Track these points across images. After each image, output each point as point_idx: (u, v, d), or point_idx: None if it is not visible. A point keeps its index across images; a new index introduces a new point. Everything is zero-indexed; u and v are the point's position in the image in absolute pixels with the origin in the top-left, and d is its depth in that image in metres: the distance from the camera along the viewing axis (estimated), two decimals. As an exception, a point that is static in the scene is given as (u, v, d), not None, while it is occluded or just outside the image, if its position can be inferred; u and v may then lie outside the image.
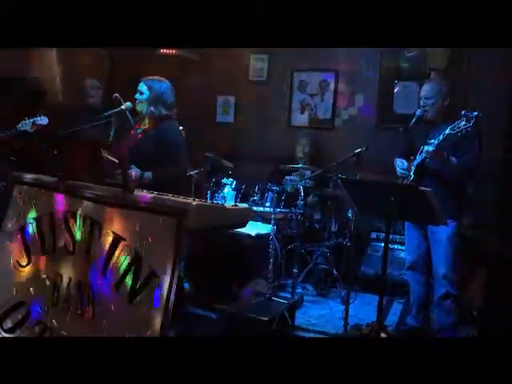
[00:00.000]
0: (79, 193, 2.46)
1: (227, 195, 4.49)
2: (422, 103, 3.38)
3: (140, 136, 3.16)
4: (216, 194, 4.49)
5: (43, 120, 3.71)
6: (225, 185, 4.52)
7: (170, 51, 5.53)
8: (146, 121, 3.19)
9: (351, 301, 3.84)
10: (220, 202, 3.98)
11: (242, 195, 4.57)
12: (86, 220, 2.40)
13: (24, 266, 2.59)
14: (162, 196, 2.33)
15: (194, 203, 2.18)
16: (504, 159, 3.44)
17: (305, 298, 4.42)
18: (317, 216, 5.07)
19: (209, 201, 4.13)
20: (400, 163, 3.43)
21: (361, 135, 5.12)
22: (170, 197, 2.32)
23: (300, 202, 4.36)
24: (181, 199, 2.31)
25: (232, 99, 6.04)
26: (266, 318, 3.04)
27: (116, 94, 3.37)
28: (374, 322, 3.04)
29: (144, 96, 3.12)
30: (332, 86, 5.52)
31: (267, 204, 4.39)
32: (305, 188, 4.49)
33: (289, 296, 4.10)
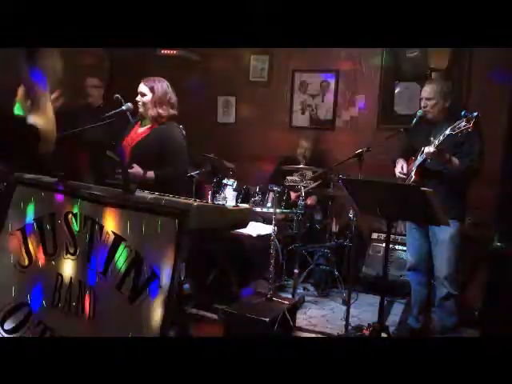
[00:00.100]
0: (80, 193, 2.46)
1: (228, 196, 4.49)
2: (422, 104, 3.38)
3: (142, 136, 3.16)
4: (217, 195, 4.49)
5: None
6: (226, 185, 4.52)
7: (170, 52, 5.53)
8: (148, 121, 3.20)
9: (352, 301, 3.84)
10: (221, 203, 4.00)
11: (243, 196, 4.57)
12: (87, 220, 2.39)
13: (25, 267, 2.59)
14: (162, 196, 2.33)
15: (195, 204, 2.17)
16: (505, 159, 3.43)
17: (306, 298, 4.42)
18: (318, 216, 5.07)
19: (210, 201, 4.13)
20: (400, 167, 3.43)
21: (362, 136, 5.12)
22: (170, 197, 2.32)
23: (301, 203, 4.36)
24: (182, 200, 2.30)
25: (233, 100, 6.04)
26: (266, 319, 3.04)
27: (117, 95, 3.37)
28: (375, 322, 3.03)
29: (146, 97, 3.12)
30: (333, 87, 5.52)
31: (268, 204, 4.39)
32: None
33: (290, 296, 4.10)
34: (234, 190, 4.53)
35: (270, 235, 3.74)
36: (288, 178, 4.97)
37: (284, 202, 4.39)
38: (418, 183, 3.18)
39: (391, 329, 3.56)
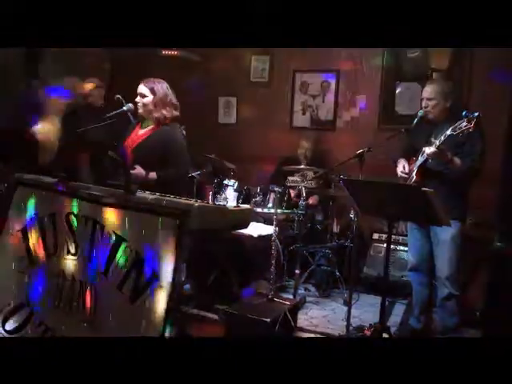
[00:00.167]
0: (81, 194, 2.46)
1: (229, 196, 4.49)
2: (423, 104, 3.38)
3: (143, 138, 3.16)
4: (218, 195, 4.49)
5: None
6: (227, 186, 4.52)
7: (171, 52, 5.54)
8: (149, 122, 3.20)
9: (353, 302, 3.83)
10: (222, 203, 4.00)
11: (244, 196, 4.57)
12: (88, 221, 2.40)
13: (26, 267, 2.59)
14: (163, 197, 2.33)
15: (196, 204, 2.18)
16: (506, 159, 3.42)
17: (307, 299, 4.41)
18: (319, 217, 5.07)
19: (211, 202, 4.13)
20: (402, 167, 3.43)
21: (362, 136, 5.11)
22: (172, 198, 2.32)
23: (302, 203, 4.36)
24: (183, 200, 2.31)
25: (233, 100, 6.04)
26: (268, 320, 3.04)
27: (118, 96, 3.38)
28: (376, 323, 3.03)
29: (147, 99, 3.12)
30: (333, 87, 5.52)
31: (269, 205, 4.39)
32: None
33: (291, 297, 4.10)
34: (235, 190, 4.53)
35: (271, 236, 3.74)
36: (289, 178, 4.97)
37: (285, 202, 4.39)
38: (419, 183, 3.18)
39: (392, 329, 3.55)
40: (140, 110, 3.15)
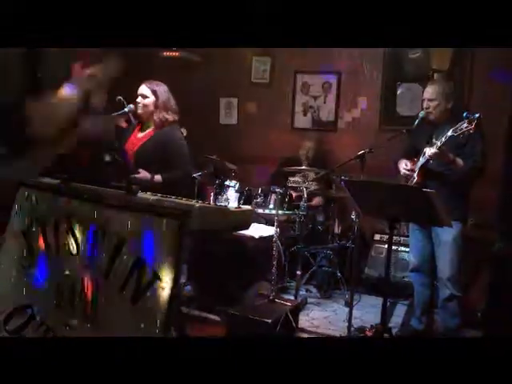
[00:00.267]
0: (82, 195, 2.46)
1: (230, 197, 4.49)
2: (424, 105, 3.38)
3: (144, 140, 3.16)
4: (219, 196, 4.49)
5: None
6: (228, 187, 4.52)
7: (172, 53, 5.54)
8: (149, 124, 3.20)
9: (355, 303, 3.83)
10: (223, 204, 4.00)
11: (245, 197, 4.56)
12: (90, 222, 2.40)
13: (27, 268, 2.59)
14: (165, 198, 2.33)
15: (197, 205, 2.17)
16: (507, 160, 3.42)
17: (308, 300, 4.41)
18: (320, 218, 5.07)
19: (212, 203, 4.13)
20: (404, 164, 3.43)
21: (364, 137, 5.11)
22: (173, 199, 2.32)
23: (303, 204, 4.36)
24: (184, 201, 2.31)
25: (235, 101, 6.05)
26: (269, 321, 3.04)
27: (119, 97, 3.37)
28: (377, 324, 3.03)
29: (148, 100, 3.12)
30: (335, 88, 5.52)
31: (270, 206, 4.39)
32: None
33: (292, 298, 4.10)
34: (236, 191, 4.52)
35: (272, 237, 3.74)
36: (290, 178, 4.97)
37: (286, 203, 4.39)
38: (421, 184, 3.18)
39: (394, 330, 3.55)
40: (140, 111, 3.15)
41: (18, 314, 2.52)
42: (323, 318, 4.06)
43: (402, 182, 3.44)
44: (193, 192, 4.63)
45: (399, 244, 4.61)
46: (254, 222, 3.40)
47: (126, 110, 3.19)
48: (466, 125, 2.88)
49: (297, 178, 4.94)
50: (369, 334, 3.19)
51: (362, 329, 3.50)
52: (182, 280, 4.01)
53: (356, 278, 3.95)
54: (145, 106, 3.13)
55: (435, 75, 4.94)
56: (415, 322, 3.63)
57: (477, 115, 2.87)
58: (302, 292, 4.53)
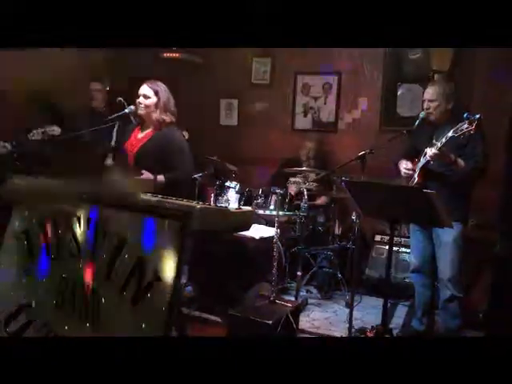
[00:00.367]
0: (83, 196, 2.46)
1: (231, 198, 4.49)
2: (425, 105, 3.38)
3: (144, 141, 3.16)
4: (220, 197, 4.48)
5: (55, 131, 3.71)
6: (228, 188, 4.52)
7: (173, 55, 5.54)
8: (149, 124, 3.20)
9: (355, 304, 3.83)
10: (224, 205, 3.99)
11: (245, 198, 4.56)
12: (90, 223, 2.40)
13: (28, 269, 2.59)
14: (166, 199, 2.33)
15: (198, 206, 2.17)
16: (508, 161, 3.42)
17: (309, 301, 4.41)
18: (321, 219, 5.07)
19: (212, 204, 4.12)
20: (404, 164, 3.43)
21: (364, 138, 5.11)
22: (173, 200, 2.32)
23: (304, 205, 4.36)
24: (185, 202, 2.31)
25: (235, 102, 6.05)
26: (270, 322, 3.03)
27: (120, 98, 3.38)
28: (378, 325, 3.02)
29: (150, 100, 3.12)
30: (335, 89, 5.52)
31: (271, 207, 4.38)
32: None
33: (293, 299, 4.09)
34: (237, 192, 4.52)
35: (272, 238, 3.74)
36: (291, 179, 4.97)
37: (287, 204, 4.39)
38: (421, 185, 3.17)
39: (395, 331, 3.54)
40: (142, 112, 3.15)
41: (18, 315, 2.52)
42: (324, 318, 4.05)
43: (402, 182, 3.43)
44: (193, 193, 4.63)
45: (400, 245, 4.61)
46: (254, 223, 3.40)
47: (126, 111, 3.20)
48: (466, 125, 2.88)
49: (297, 179, 4.93)
50: (369, 334, 3.18)
51: (362, 330, 3.49)
52: (183, 281, 4.01)
53: (357, 278, 3.94)
54: (147, 106, 3.13)
55: (435, 76, 4.93)
56: (416, 323, 3.62)
57: (477, 116, 2.86)
58: (303, 293, 4.53)
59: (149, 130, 3.19)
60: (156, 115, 3.12)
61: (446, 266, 3.31)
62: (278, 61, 5.76)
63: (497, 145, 3.36)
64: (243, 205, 4.44)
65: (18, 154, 3.65)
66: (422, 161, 3.26)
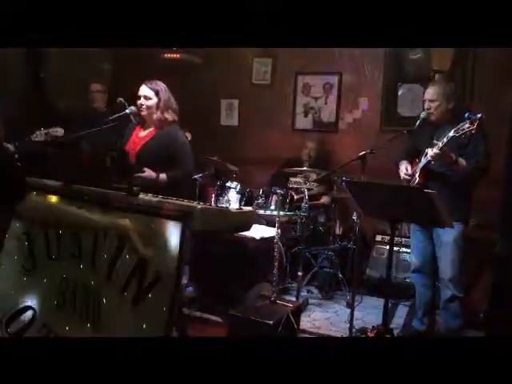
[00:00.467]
0: (84, 197, 2.47)
1: (231, 198, 4.49)
2: (426, 106, 3.37)
3: (146, 140, 3.16)
4: (220, 198, 4.49)
5: (59, 132, 3.71)
6: (229, 188, 4.52)
7: (173, 55, 5.55)
8: (150, 124, 3.20)
9: (356, 304, 3.82)
10: (224, 206, 3.99)
11: (246, 198, 4.56)
12: (91, 224, 2.40)
13: (29, 270, 2.60)
14: (166, 199, 2.33)
15: (199, 206, 2.17)
16: (509, 160, 3.42)
17: (310, 301, 4.40)
18: (321, 219, 5.06)
19: (213, 204, 4.12)
20: (404, 168, 3.43)
21: (365, 138, 5.11)
22: (174, 200, 2.32)
23: (304, 205, 4.36)
24: (185, 202, 2.31)
25: (236, 102, 6.05)
26: (270, 322, 3.03)
27: (120, 99, 3.38)
28: (379, 325, 3.02)
29: (151, 101, 3.12)
30: (336, 89, 5.52)
31: (272, 207, 4.39)
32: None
33: (294, 299, 4.09)
34: (238, 192, 4.52)
35: (273, 238, 3.73)
36: (291, 179, 4.97)
37: (287, 204, 4.39)
38: (422, 185, 3.17)
39: (396, 331, 3.54)
40: (144, 113, 3.15)
41: (19, 315, 2.52)
42: (325, 319, 4.05)
43: (403, 183, 3.43)
44: (194, 193, 4.63)
45: (400, 245, 4.60)
46: (255, 223, 3.40)
47: (127, 111, 3.20)
48: (467, 125, 2.88)
49: (298, 179, 4.93)
50: (370, 335, 3.19)
51: (363, 330, 3.49)
52: (184, 281, 4.01)
53: (357, 279, 3.94)
54: (148, 107, 3.13)
55: (436, 76, 4.93)
56: (417, 323, 3.62)
57: (479, 115, 2.86)
58: (304, 293, 4.53)
59: (151, 129, 3.19)
60: (158, 115, 3.13)
61: (446, 266, 3.31)
62: (278, 61, 5.76)
63: (497, 144, 3.36)
64: (244, 205, 4.45)
65: (20, 155, 3.65)
66: (423, 161, 3.26)
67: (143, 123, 3.23)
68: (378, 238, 4.90)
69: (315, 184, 4.70)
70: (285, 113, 5.79)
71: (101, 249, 2.33)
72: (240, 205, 4.42)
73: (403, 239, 4.63)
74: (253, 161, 5.54)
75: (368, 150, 3.39)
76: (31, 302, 2.53)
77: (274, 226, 3.75)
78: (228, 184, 4.53)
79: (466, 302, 3.47)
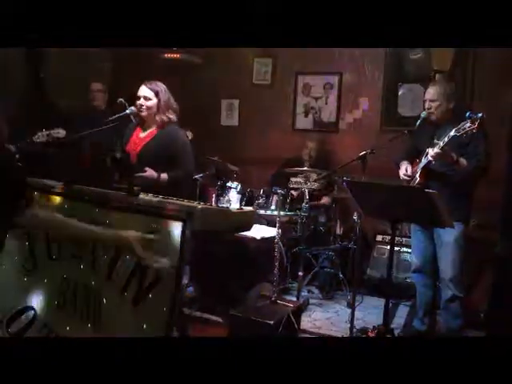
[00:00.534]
0: (85, 197, 2.46)
1: (232, 198, 4.49)
2: (426, 105, 3.37)
3: (147, 140, 3.17)
4: (221, 198, 4.49)
5: (60, 133, 3.71)
6: (230, 188, 4.52)
7: (173, 55, 5.55)
8: (150, 124, 3.20)
9: (357, 304, 3.82)
10: (225, 206, 3.99)
11: (247, 198, 4.57)
12: (92, 224, 2.40)
13: (30, 270, 2.59)
14: (167, 199, 2.33)
15: (199, 206, 2.17)
16: (510, 160, 3.42)
17: (310, 301, 4.40)
18: (322, 219, 5.06)
19: (214, 204, 4.13)
20: (404, 169, 3.42)
21: (365, 138, 5.11)
22: (175, 200, 2.32)
23: (305, 205, 4.36)
24: (186, 202, 2.31)
25: (236, 102, 6.05)
26: (271, 322, 3.03)
27: (121, 99, 3.38)
28: (380, 325, 3.02)
29: (151, 102, 3.12)
30: (336, 89, 5.52)
31: (272, 207, 4.39)
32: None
33: (294, 299, 4.09)
34: (238, 192, 4.53)
35: (274, 238, 3.73)
36: (292, 179, 4.97)
37: (288, 204, 4.39)
38: (423, 185, 3.17)
39: (396, 331, 3.54)
40: (144, 113, 3.15)
41: (20, 316, 2.52)
42: (325, 319, 4.05)
43: (403, 182, 3.43)
44: (195, 193, 4.63)
45: (401, 245, 4.60)
46: (255, 223, 3.40)
47: (127, 111, 3.19)
48: (468, 124, 2.87)
49: (298, 179, 4.93)
50: (371, 335, 3.18)
51: (364, 330, 3.49)
52: (184, 281, 4.01)
53: (358, 279, 3.94)
54: (148, 108, 3.13)
55: (436, 76, 4.93)
56: (417, 323, 3.61)
57: (480, 115, 2.86)
58: (304, 293, 4.53)
59: (151, 129, 3.19)
60: (159, 116, 3.13)
61: (447, 266, 3.31)
62: (279, 61, 5.76)
63: (497, 144, 3.36)
64: (244, 205, 4.45)
65: (21, 156, 3.65)
66: (424, 161, 3.26)
67: (143, 124, 3.23)
68: (379, 237, 4.90)
69: (316, 184, 4.70)
70: (285, 113, 5.79)
71: (101, 249, 2.33)
72: (240, 205, 4.43)
73: (404, 239, 4.63)
74: (253, 161, 5.54)
75: (368, 150, 3.39)
76: (32, 302, 2.53)
77: (275, 226, 3.75)
78: (228, 184, 4.53)
79: (467, 302, 3.46)
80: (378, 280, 4.64)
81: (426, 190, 2.62)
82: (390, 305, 3.21)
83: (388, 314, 2.93)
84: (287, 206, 4.37)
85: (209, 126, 5.94)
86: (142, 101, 3.14)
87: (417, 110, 4.51)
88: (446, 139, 3.03)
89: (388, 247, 4.20)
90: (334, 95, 5.53)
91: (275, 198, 4.36)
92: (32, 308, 2.51)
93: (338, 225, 4.99)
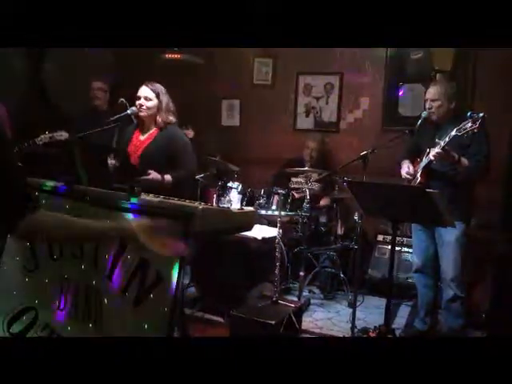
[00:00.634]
0: (86, 197, 2.46)
1: (233, 199, 4.49)
2: (427, 105, 3.37)
3: (148, 142, 3.17)
4: (222, 198, 4.49)
5: (63, 136, 3.72)
6: (231, 188, 4.52)
7: (174, 56, 5.55)
8: (149, 126, 3.20)
9: (358, 304, 3.82)
10: (226, 206, 3.99)
11: (248, 199, 4.57)
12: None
13: (31, 271, 2.60)
14: (168, 200, 2.33)
15: (200, 207, 2.17)
16: (510, 160, 3.42)
17: (311, 301, 4.41)
18: (323, 219, 5.06)
19: (215, 204, 4.13)
20: (406, 167, 3.42)
21: (366, 138, 5.10)
22: (176, 200, 2.32)
23: (306, 205, 4.36)
24: (187, 203, 2.31)
25: (237, 103, 6.05)
26: (272, 322, 3.03)
27: (122, 99, 3.38)
28: (381, 325, 3.02)
29: (152, 103, 3.12)
30: (337, 89, 5.51)
31: (273, 207, 4.39)
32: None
33: (295, 299, 4.09)
34: (239, 192, 4.52)
35: (275, 238, 3.74)
36: (293, 179, 4.97)
37: (289, 204, 4.39)
38: (424, 185, 3.17)
39: (397, 331, 3.54)
40: (144, 114, 3.15)
41: (21, 316, 2.52)
42: (326, 319, 4.05)
43: (404, 182, 3.43)
44: (195, 194, 4.63)
45: (402, 245, 4.60)
46: (256, 224, 3.40)
47: (128, 112, 3.20)
48: (470, 124, 2.88)
49: (299, 179, 4.93)
50: (372, 335, 3.18)
51: (365, 330, 3.49)
52: (186, 281, 4.02)
53: (359, 278, 3.94)
54: (149, 108, 3.14)
55: (437, 76, 4.93)
56: (419, 323, 3.61)
57: (481, 114, 2.86)
58: (305, 293, 4.53)
59: (151, 131, 3.19)
60: (160, 116, 3.13)
61: (448, 266, 3.31)
62: (279, 61, 5.76)
63: (498, 144, 3.35)
64: (245, 205, 4.45)
65: (21, 156, 3.65)
66: (425, 160, 3.26)
67: (142, 125, 3.23)
68: (380, 237, 4.89)
69: (316, 184, 4.70)
70: (286, 113, 5.78)
71: (102, 249, 2.33)
72: (241, 205, 4.42)
73: (405, 239, 4.62)
74: (254, 161, 5.54)
75: (369, 150, 3.39)
76: (33, 302, 2.53)
77: (276, 226, 3.75)
78: (229, 184, 4.53)
79: (468, 302, 3.46)
80: (379, 280, 4.64)
81: (427, 190, 2.62)
82: (391, 305, 3.20)
83: (389, 314, 2.93)
84: (288, 206, 4.37)
85: (210, 126, 5.94)
86: (142, 101, 3.14)
87: (418, 109, 4.49)
88: (447, 139, 3.03)
89: (389, 247, 4.19)
90: (335, 95, 5.52)
91: (276, 198, 4.36)
92: (33, 308, 2.52)
93: (339, 225, 4.98)
